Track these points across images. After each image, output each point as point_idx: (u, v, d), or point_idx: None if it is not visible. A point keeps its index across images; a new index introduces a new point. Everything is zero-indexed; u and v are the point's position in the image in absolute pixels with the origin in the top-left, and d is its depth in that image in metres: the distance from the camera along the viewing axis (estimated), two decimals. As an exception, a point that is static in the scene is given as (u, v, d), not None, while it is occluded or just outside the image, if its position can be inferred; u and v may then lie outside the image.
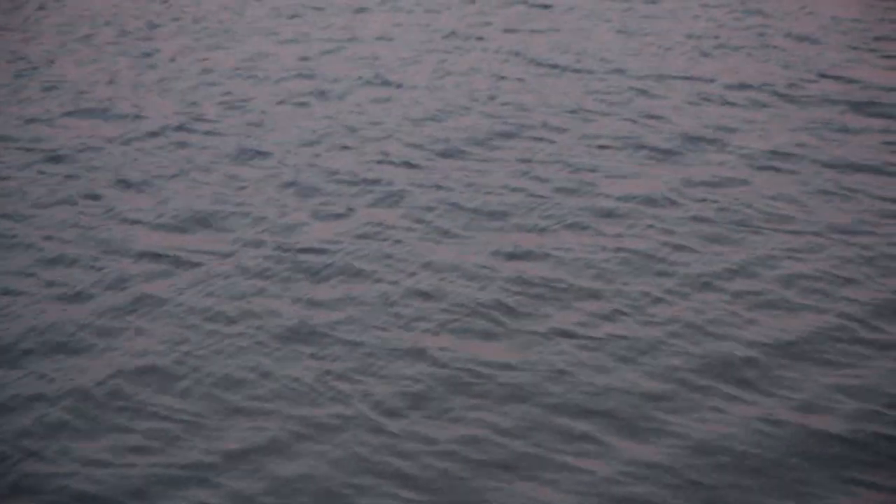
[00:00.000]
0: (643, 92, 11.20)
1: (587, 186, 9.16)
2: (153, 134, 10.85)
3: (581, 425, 6.22)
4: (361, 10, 15.02)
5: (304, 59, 12.95)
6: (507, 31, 13.59)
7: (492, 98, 11.31)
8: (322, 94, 11.70)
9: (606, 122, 10.46)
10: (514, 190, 9.17)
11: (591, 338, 7.03)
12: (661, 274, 7.76)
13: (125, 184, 9.71)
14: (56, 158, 10.34)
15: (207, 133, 10.81)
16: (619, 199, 8.90)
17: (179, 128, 10.96)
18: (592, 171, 9.46)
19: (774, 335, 6.97)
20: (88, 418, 6.49)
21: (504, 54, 12.64)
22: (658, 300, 7.42)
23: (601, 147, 9.93)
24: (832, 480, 5.71)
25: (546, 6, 14.67)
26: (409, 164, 9.79)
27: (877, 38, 12.43)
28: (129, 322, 7.50)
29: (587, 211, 8.73)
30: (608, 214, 8.65)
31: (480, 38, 13.34)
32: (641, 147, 9.89)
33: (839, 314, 7.17)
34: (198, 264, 8.23)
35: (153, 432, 6.34)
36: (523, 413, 6.36)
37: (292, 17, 14.88)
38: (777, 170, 9.29)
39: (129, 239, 8.66)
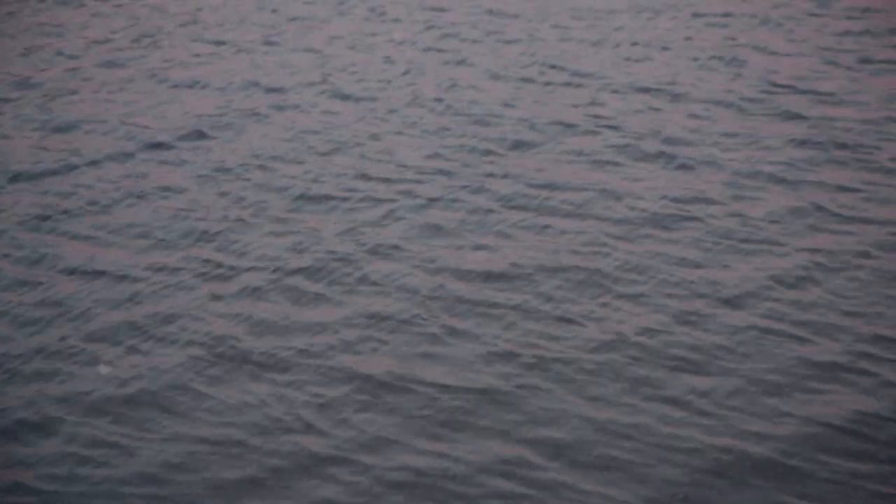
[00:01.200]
0: (608, 103, 11.10)
1: (544, 199, 9.02)
2: (112, 152, 10.73)
3: (524, 452, 6.11)
4: (330, 18, 14.95)
5: (268, 69, 12.87)
6: (476, 41, 13.50)
7: (459, 107, 11.18)
8: (279, 106, 11.59)
9: (580, 136, 10.32)
10: (467, 205, 9.03)
11: (538, 358, 6.90)
12: (619, 293, 7.63)
13: (82, 202, 9.59)
14: (18, 175, 10.27)
15: (170, 148, 10.72)
16: (579, 215, 8.77)
17: (141, 145, 10.88)
18: (553, 186, 9.30)
19: (751, 364, 6.83)
20: (33, 446, 6.44)
21: (473, 64, 12.55)
22: (621, 321, 7.27)
23: (571, 159, 9.79)
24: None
25: (515, 15, 14.57)
26: (363, 178, 9.68)
27: (847, 50, 12.36)
28: (77, 346, 7.43)
29: (540, 226, 8.58)
30: (564, 231, 8.50)
31: (451, 48, 13.26)
32: (611, 162, 9.73)
33: (822, 345, 6.97)
34: (144, 281, 8.17)
35: (84, 459, 6.27)
36: (467, 439, 6.27)
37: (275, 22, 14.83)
38: (758, 188, 9.07)
39: (82, 258, 8.59)
